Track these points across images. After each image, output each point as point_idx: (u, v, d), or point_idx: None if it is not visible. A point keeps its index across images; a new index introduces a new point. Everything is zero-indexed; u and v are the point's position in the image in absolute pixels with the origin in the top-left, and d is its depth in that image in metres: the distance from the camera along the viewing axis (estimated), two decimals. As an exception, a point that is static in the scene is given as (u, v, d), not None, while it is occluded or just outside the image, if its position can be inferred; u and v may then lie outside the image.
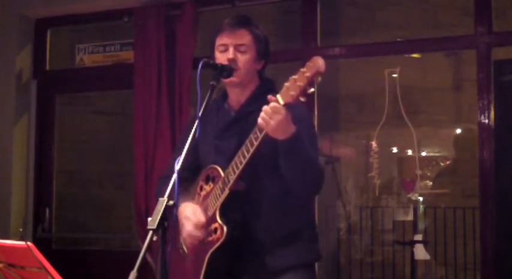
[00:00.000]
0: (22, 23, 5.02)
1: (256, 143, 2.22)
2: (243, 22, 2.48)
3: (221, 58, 2.45)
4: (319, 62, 2.00)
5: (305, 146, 2.26)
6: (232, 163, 2.31)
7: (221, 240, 2.31)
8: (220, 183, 2.37)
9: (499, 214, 3.81)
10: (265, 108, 2.15)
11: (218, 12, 4.61)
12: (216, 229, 2.34)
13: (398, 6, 5.94)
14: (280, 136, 2.19)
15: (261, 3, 4.68)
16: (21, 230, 4.66)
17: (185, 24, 4.44)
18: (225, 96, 2.58)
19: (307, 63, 2.03)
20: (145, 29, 4.51)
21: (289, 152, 2.25)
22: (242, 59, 2.44)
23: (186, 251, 2.51)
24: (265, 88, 2.49)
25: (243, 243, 2.38)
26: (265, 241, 2.40)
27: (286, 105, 2.11)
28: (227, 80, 2.45)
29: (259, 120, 2.17)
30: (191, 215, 2.41)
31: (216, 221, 2.34)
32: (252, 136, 2.23)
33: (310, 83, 2.02)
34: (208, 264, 2.37)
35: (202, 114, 2.27)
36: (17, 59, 4.98)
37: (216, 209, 2.36)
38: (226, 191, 2.33)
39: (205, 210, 2.42)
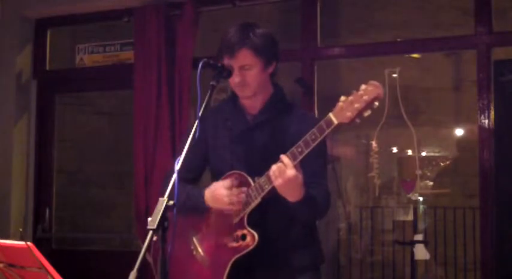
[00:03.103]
0: (22, 23, 5.02)
1: (299, 157, 2.21)
2: (240, 40, 2.39)
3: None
4: (379, 88, 2.05)
5: (318, 200, 2.34)
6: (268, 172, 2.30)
7: (251, 247, 2.34)
8: (250, 190, 2.37)
9: (499, 214, 3.81)
10: (275, 166, 2.22)
11: (218, 12, 4.61)
12: (244, 235, 2.36)
13: (398, 6, 5.94)
14: (288, 197, 2.26)
15: (261, 3, 4.69)
16: (21, 230, 4.67)
17: (185, 24, 4.44)
18: (235, 95, 2.56)
19: (365, 87, 2.06)
20: (145, 29, 4.51)
21: (301, 212, 2.34)
22: (249, 76, 2.43)
23: (202, 253, 2.52)
24: (279, 96, 2.55)
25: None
26: (274, 245, 2.43)
27: (340, 125, 2.12)
28: (241, 95, 2.48)
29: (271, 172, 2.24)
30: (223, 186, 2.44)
31: (244, 227, 2.37)
32: (295, 149, 2.22)
33: (368, 107, 2.06)
34: (231, 269, 2.38)
35: (207, 115, 2.28)
36: (17, 59, 4.97)
37: (244, 216, 2.39)
38: (258, 200, 2.35)
39: (229, 215, 2.44)
